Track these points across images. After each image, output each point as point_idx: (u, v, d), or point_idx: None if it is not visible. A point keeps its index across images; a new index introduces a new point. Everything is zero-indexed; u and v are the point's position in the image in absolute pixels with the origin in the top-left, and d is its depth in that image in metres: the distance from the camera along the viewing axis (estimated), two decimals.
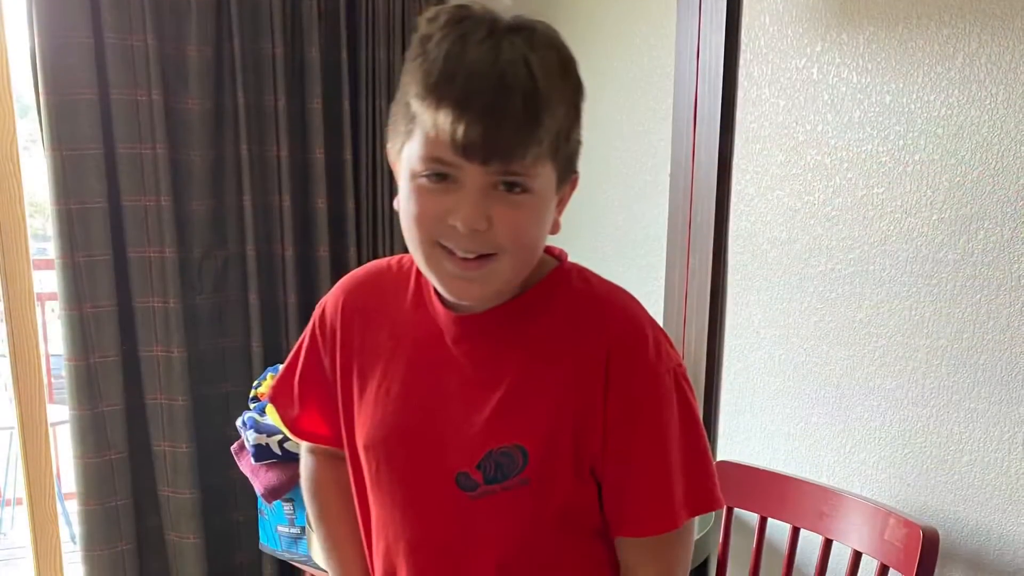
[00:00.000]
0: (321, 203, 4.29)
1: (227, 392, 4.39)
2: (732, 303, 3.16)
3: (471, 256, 1.54)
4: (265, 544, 3.84)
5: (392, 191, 4.35)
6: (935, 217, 2.49)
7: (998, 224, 2.34)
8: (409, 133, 1.53)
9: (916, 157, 2.52)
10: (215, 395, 4.37)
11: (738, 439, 3.19)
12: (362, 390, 1.79)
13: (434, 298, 1.71)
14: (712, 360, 3.25)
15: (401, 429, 1.74)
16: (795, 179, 2.88)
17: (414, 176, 1.53)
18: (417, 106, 1.49)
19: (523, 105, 1.46)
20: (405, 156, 1.55)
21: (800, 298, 2.90)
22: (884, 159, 2.60)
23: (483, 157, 1.47)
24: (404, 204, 1.57)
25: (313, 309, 1.90)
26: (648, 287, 3.50)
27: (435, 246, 1.55)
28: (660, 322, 1.94)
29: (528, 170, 1.51)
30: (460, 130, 1.44)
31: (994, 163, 2.34)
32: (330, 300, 1.86)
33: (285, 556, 3.77)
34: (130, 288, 4.09)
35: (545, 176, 1.54)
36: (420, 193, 1.53)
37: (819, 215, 2.81)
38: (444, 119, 1.45)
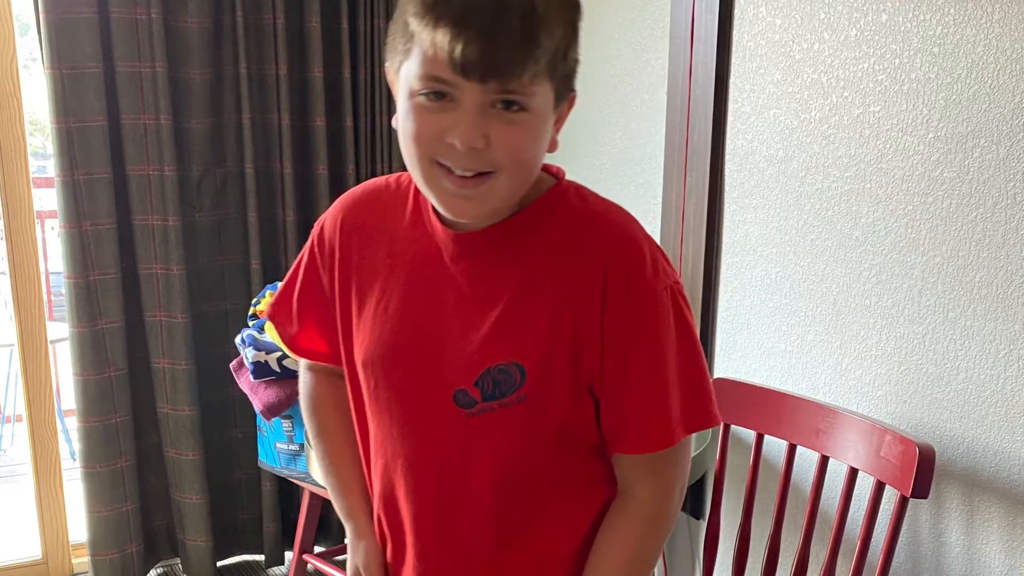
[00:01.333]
0: (320, 121, 4.27)
1: (226, 309, 4.40)
2: (729, 221, 3.17)
3: (469, 174, 1.55)
4: (264, 461, 3.87)
5: (391, 109, 4.35)
6: (931, 135, 2.49)
7: (993, 142, 2.34)
8: (407, 52, 1.53)
9: (912, 75, 2.52)
10: (214, 312, 4.38)
11: (735, 356, 3.21)
12: (360, 307, 1.79)
13: (432, 216, 1.71)
14: (709, 278, 3.25)
15: (399, 346, 1.74)
16: (792, 97, 2.88)
17: (412, 95, 1.54)
18: (415, 24, 1.49)
19: (521, 24, 1.46)
20: (403, 75, 1.55)
21: (797, 216, 2.90)
22: (880, 77, 2.60)
23: (481, 75, 1.47)
24: (402, 123, 1.58)
25: (312, 227, 1.90)
26: (645, 205, 3.51)
27: (433, 164, 1.56)
28: (657, 240, 1.95)
29: (526, 88, 1.51)
30: (458, 48, 1.45)
31: (989, 81, 2.34)
32: (328, 218, 1.86)
33: (284, 473, 3.80)
34: (130, 206, 4.09)
35: (542, 95, 1.55)
36: (418, 112, 1.54)
37: (816, 133, 2.81)
38: (442, 37, 1.46)
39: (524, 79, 1.50)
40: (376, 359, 1.77)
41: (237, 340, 3.72)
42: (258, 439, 3.93)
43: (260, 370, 3.57)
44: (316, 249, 1.88)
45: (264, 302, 3.76)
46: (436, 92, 1.51)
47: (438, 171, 1.56)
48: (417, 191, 1.73)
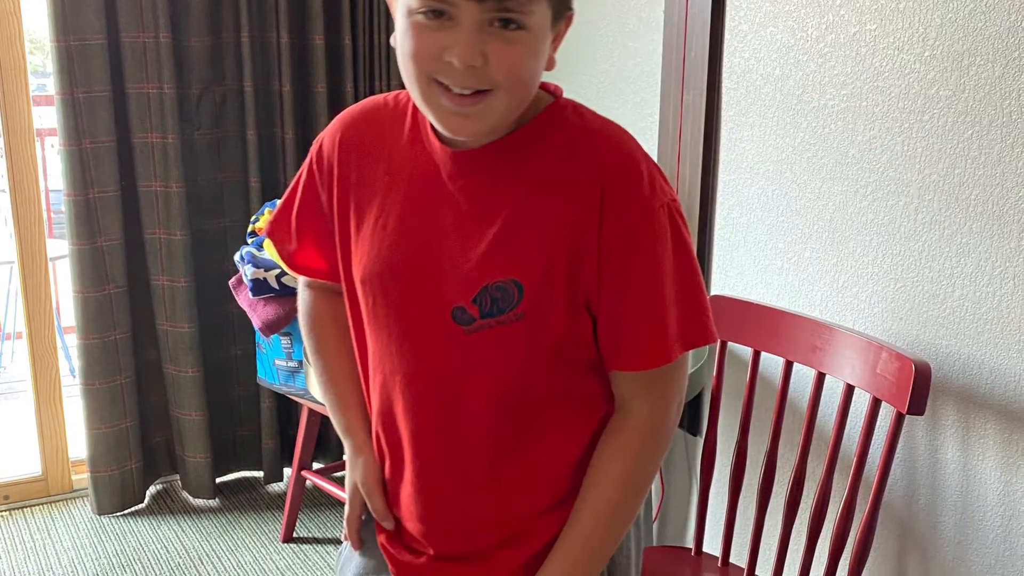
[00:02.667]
0: (319, 39, 4.27)
1: (225, 227, 4.42)
2: (726, 139, 3.17)
3: (467, 92, 1.56)
4: (263, 378, 3.89)
5: (389, 27, 4.34)
6: (927, 53, 2.49)
7: (989, 60, 2.35)
8: None
9: None
10: (213, 230, 4.39)
11: (731, 274, 3.22)
12: (359, 225, 1.80)
13: (431, 134, 1.72)
14: (706, 196, 3.26)
15: (397, 263, 1.75)
16: (788, 15, 2.88)
17: (410, 13, 1.54)
18: None
19: None
20: None
21: (793, 134, 2.91)
22: None
23: None
24: (401, 41, 1.59)
25: (310, 145, 1.91)
26: (642, 123, 3.51)
27: (431, 82, 1.57)
28: (655, 158, 1.95)
29: (524, 7, 1.52)
30: None
31: None
32: (327, 135, 1.87)
33: (282, 389, 3.83)
34: (129, 124, 4.10)
35: (540, 13, 1.55)
36: (416, 30, 1.55)
37: (812, 52, 2.81)
38: None
39: None
40: (375, 276, 1.77)
41: (236, 257, 3.74)
42: (257, 356, 3.95)
43: (259, 287, 3.59)
44: (315, 167, 1.88)
45: (263, 220, 3.77)
46: (434, 10, 1.52)
47: (436, 89, 1.57)
48: (415, 109, 1.74)
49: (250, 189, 4.34)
